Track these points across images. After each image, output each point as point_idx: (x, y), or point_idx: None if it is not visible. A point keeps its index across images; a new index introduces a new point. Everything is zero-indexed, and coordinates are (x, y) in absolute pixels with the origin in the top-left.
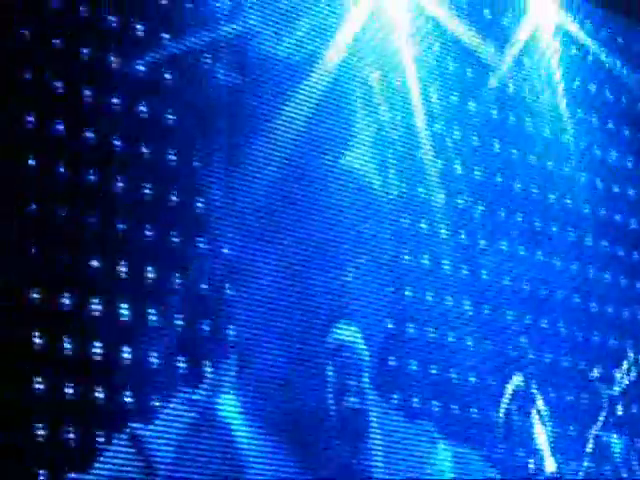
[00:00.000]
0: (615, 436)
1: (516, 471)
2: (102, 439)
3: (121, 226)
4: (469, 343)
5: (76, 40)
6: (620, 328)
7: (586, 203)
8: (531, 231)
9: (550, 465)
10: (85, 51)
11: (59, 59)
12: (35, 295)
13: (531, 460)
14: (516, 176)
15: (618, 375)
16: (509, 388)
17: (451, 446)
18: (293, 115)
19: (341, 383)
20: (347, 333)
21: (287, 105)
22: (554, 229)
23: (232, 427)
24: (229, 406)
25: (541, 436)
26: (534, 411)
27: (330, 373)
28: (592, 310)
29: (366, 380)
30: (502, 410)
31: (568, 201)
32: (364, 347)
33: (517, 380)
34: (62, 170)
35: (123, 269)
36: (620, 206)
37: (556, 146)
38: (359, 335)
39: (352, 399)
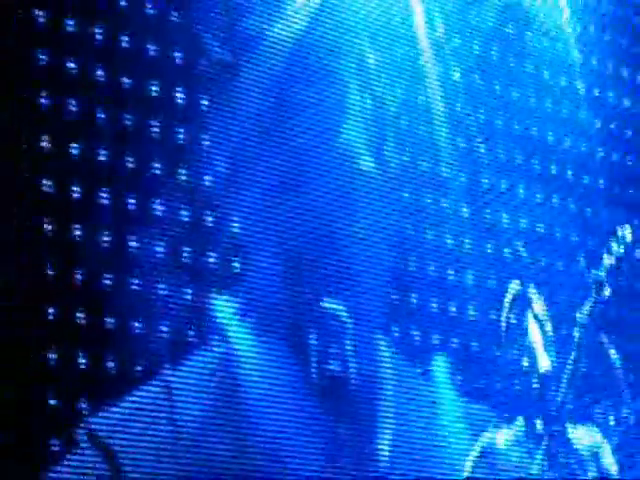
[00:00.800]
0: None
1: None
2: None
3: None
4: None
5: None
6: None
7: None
8: None
9: (544, 363)
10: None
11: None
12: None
13: (525, 358)
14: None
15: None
16: (508, 297)
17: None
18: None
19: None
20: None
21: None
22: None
23: (228, 329)
24: (224, 307)
25: (536, 334)
26: (529, 311)
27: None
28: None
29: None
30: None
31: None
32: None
33: (515, 286)
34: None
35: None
36: None
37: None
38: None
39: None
